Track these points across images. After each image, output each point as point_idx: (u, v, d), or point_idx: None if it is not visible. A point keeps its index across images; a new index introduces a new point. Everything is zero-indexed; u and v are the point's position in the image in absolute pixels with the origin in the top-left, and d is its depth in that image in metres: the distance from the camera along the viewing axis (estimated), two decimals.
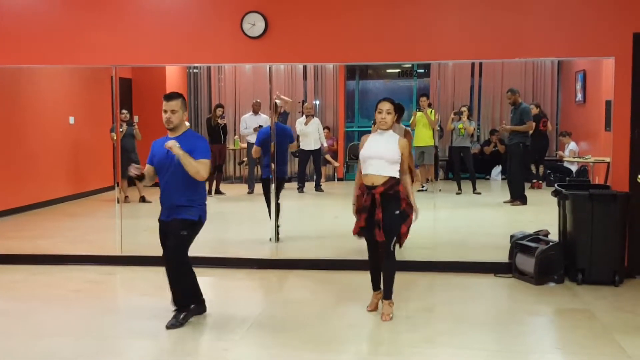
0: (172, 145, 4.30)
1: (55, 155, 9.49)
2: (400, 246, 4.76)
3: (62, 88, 9.76)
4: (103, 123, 9.34)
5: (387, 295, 4.68)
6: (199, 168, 4.35)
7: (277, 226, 6.84)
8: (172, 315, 4.52)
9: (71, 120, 9.79)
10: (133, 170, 4.55)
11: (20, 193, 8.82)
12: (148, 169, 4.63)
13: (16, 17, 6.40)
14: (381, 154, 4.56)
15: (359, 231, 4.66)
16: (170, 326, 4.45)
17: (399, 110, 6.68)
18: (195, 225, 4.50)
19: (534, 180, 10.24)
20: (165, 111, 4.43)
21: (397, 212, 4.56)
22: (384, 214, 4.50)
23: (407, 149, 4.65)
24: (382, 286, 4.74)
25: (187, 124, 4.41)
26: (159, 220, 4.59)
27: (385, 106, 4.63)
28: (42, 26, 6.38)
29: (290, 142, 7.11)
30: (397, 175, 4.59)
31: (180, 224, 4.43)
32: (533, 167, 10.40)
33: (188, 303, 4.60)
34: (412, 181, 5.26)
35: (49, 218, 8.80)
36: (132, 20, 6.33)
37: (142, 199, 9.25)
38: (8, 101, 8.67)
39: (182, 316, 4.52)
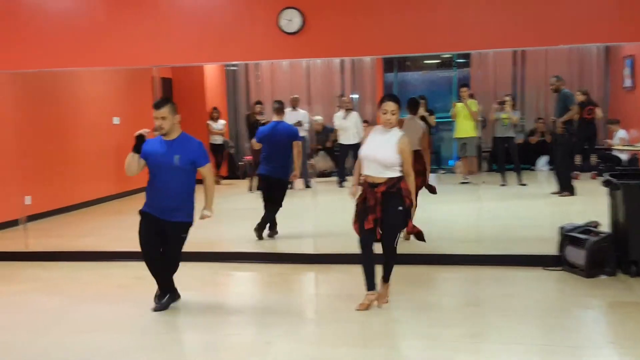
0: (207, 217, 4.84)
1: (100, 155, 9.69)
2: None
3: (105, 90, 9.95)
4: (146, 122, 9.44)
5: (388, 279, 4.76)
6: (213, 186, 4.85)
7: (267, 225, 6.97)
8: (156, 302, 4.83)
9: (115, 120, 9.96)
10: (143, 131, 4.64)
11: (67, 193, 9.05)
12: (140, 161, 4.68)
13: (59, 22, 6.53)
14: (377, 158, 4.53)
15: (365, 232, 4.57)
16: (158, 309, 4.78)
17: (414, 104, 6.62)
18: (190, 226, 4.80)
19: (576, 172, 9.93)
20: (156, 118, 4.61)
21: (400, 208, 4.54)
22: (387, 212, 4.50)
23: (407, 150, 4.55)
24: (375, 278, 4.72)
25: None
26: (147, 212, 4.69)
27: (391, 107, 4.57)
28: (84, 30, 6.49)
29: (294, 140, 7.00)
30: (397, 174, 4.55)
31: (181, 228, 4.72)
32: (578, 158, 10.08)
33: (171, 289, 4.91)
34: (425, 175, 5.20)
35: (95, 217, 8.99)
36: (171, 21, 6.38)
37: None
38: (54, 103, 8.89)
39: (165, 299, 4.84)
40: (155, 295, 4.87)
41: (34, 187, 7.97)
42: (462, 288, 5.34)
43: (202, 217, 4.85)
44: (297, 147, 6.94)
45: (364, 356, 3.91)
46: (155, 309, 4.78)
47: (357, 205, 4.69)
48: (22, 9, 6.59)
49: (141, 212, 4.74)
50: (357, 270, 4.79)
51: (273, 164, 6.90)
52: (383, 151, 4.53)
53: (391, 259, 4.72)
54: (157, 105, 4.64)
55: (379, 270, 4.69)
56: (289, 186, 7.18)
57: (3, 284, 5.86)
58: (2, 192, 7.63)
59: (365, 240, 4.59)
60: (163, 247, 4.75)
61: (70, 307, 5.06)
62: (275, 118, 7.12)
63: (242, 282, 5.97)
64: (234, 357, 4.02)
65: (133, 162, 4.62)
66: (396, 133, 4.62)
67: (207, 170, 4.79)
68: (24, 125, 7.84)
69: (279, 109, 7.17)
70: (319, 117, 11.25)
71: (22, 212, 7.30)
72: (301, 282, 5.85)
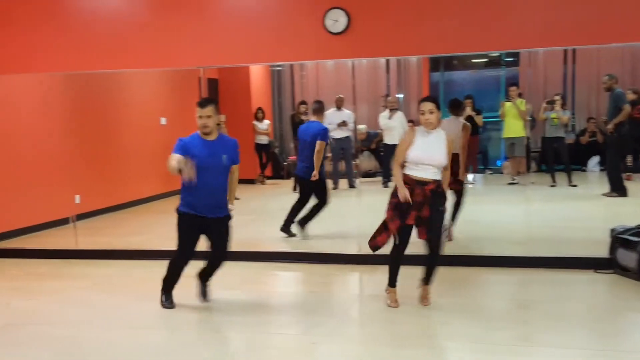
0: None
1: (147, 155, 9.85)
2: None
3: (153, 91, 10.12)
4: (192, 123, 9.58)
5: (430, 281, 4.80)
6: (237, 181, 4.99)
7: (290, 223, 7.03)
8: (201, 291, 5.03)
9: (163, 121, 10.12)
10: (189, 171, 4.45)
11: (115, 192, 9.23)
12: (181, 160, 4.54)
13: (107, 24, 6.67)
14: (432, 161, 4.55)
15: (405, 229, 4.59)
16: (208, 299, 5.02)
17: (456, 105, 6.58)
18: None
19: (628, 173, 9.59)
20: (201, 117, 4.69)
21: (441, 208, 4.65)
22: (435, 211, 4.56)
23: (450, 147, 4.64)
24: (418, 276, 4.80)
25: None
26: (188, 212, 4.77)
27: (427, 106, 4.56)
28: (132, 32, 6.62)
29: (320, 140, 6.92)
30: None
31: (226, 221, 4.86)
32: (630, 159, 9.74)
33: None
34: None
35: (142, 216, 9.15)
36: (217, 22, 6.44)
37: None
38: (103, 104, 9.08)
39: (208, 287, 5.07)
40: (164, 296, 4.98)
41: (83, 187, 8.16)
42: (511, 290, 5.23)
43: None
44: (318, 146, 6.91)
45: (410, 357, 3.87)
46: (206, 299, 5.01)
47: (394, 202, 4.64)
48: (70, 12, 6.76)
49: (181, 212, 4.81)
50: (402, 271, 4.76)
51: (302, 163, 7.02)
52: (433, 154, 4.56)
53: (437, 258, 4.72)
54: (202, 104, 4.74)
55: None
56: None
57: (54, 280, 6.02)
58: (53, 191, 7.84)
59: (405, 236, 4.63)
60: (211, 244, 4.84)
61: (119, 303, 5.16)
62: (313, 118, 7.16)
63: (286, 281, 5.99)
64: (281, 356, 4.03)
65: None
66: (441, 133, 4.64)
67: (236, 167, 4.99)
68: (73, 126, 8.05)
69: (316, 110, 7.19)
70: (362, 126, 11.19)
71: (72, 210, 7.50)
72: (346, 283, 5.83)
